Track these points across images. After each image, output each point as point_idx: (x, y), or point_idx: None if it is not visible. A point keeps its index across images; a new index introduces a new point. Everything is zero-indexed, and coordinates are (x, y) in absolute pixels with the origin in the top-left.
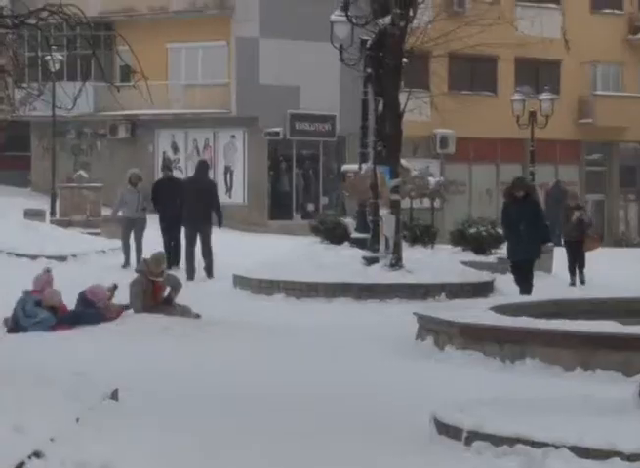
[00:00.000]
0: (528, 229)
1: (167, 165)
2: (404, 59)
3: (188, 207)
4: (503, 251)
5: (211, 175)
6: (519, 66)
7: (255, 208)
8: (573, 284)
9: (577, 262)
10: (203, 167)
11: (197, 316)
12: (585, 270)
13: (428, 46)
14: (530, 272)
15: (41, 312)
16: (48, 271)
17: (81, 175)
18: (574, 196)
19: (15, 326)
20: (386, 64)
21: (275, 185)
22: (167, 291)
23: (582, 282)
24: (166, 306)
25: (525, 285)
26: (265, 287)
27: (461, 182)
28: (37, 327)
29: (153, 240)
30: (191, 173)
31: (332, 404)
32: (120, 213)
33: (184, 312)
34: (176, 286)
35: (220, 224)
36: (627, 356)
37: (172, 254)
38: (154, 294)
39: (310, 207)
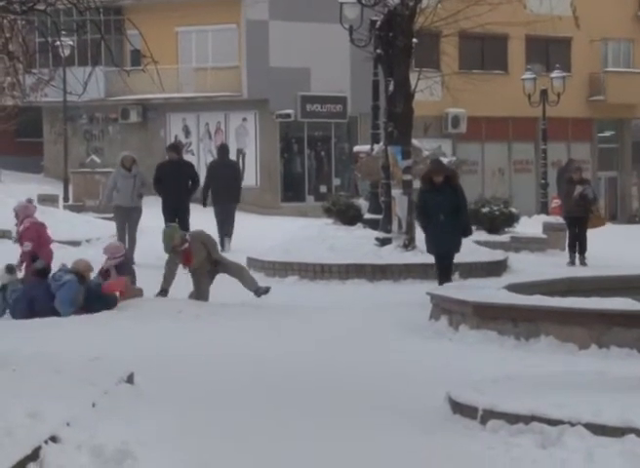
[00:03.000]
0: (448, 220)
1: (176, 146)
2: (414, 39)
3: (217, 188)
4: (517, 229)
5: None
6: (529, 44)
7: (267, 190)
8: (572, 263)
9: (578, 241)
10: (224, 149)
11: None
12: (594, 249)
13: (438, 25)
14: (450, 265)
15: (66, 275)
16: (30, 201)
17: (93, 159)
18: (578, 169)
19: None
20: (396, 45)
21: (287, 167)
22: (204, 251)
23: (583, 264)
24: (215, 267)
25: (443, 278)
26: (279, 269)
27: (473, 162)
28: (63, 292)
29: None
30: (203, 156)
31: (346, 383)
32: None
33: (239, 270)
34: (206, 241)
35: (237, 200)
36: None
37: None
38: (186, 262)
39: (323, 188)
